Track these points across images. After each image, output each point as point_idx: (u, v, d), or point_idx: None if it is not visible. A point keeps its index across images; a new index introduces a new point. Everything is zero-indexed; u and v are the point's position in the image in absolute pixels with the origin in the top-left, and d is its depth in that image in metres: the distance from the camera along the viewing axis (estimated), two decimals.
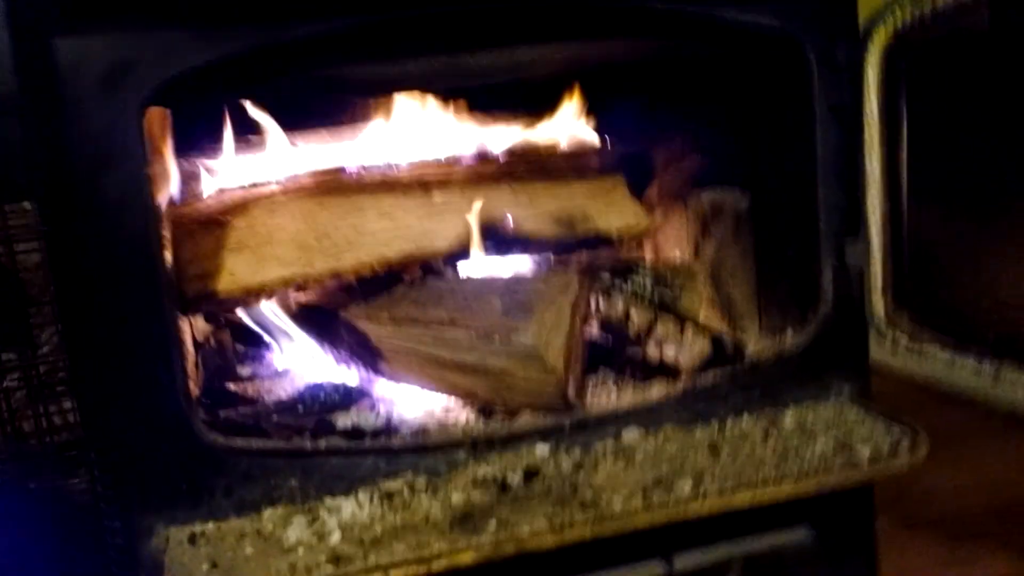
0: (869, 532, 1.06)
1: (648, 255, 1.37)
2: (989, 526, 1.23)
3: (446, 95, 1.17)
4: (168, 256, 0.98)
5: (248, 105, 1.07)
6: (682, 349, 1.14)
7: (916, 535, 1.23)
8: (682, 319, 1.15)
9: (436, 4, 0.89)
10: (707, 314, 1.19)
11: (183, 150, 1.10)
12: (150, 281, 0.87)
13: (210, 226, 1.04)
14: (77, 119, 0.83)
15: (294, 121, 1.15)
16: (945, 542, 1.21)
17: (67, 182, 0.84)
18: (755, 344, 1.16)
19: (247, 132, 1.13)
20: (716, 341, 1.13)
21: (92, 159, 0.84)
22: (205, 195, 1.10)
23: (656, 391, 1.09)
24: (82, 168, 0.84)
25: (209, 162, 1.13)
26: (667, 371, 1.13)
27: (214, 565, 0.85)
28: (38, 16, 0.81)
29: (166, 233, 0.99)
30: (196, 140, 1.12)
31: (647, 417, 1.03)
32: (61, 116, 0.83)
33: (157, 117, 1.01)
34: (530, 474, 0.95)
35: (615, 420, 1.02)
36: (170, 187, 1.06)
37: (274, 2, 0.86)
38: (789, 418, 1.06)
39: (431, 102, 1.18)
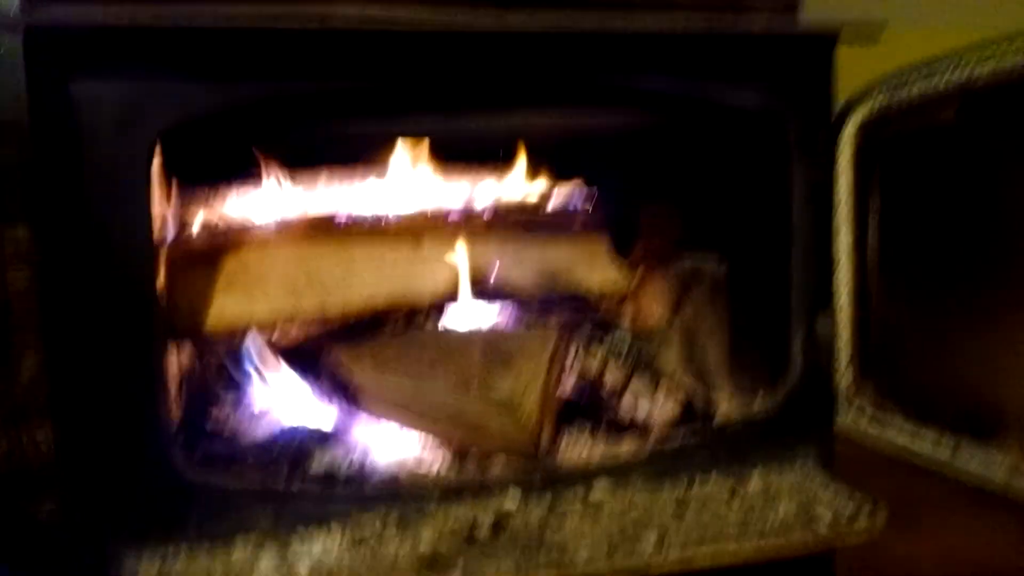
0: None
1: (627, 314, 1.40)
2: None
3: (439, 151, 1.21)
4: (161, 290, 1.00)
5: (248, 150, 1.11)
6: (654, 407, 1.17)
7: None
8: (656, 378, 1.18)
9: (429, 72, 0.94)
10: (681, 375, 1.23)
11: (183, 188, 1.13)
12: (143, 314, 0.90)
13: (204, 264, 1.07)
14: (88, 157, 0.87)
15: (291, 166, 1.19)
16: None
17: (73, 215, 0.87)
18: (725, 407, 1.19)
19: (245, 175, 1.17)
20: (688, 402, 1.16)
21: (100, 195, 0.87)
22: (200, 233, 1.13)
23: (627, 447, 1.12)
24: (89, 203, 0.87)
25: (209, 201, 1.16)
26: (639, 428, 1.16)
27: None
28: (56, 59, 0.85)
29: (161, 268, 1.01)
30: (196, 179, 1.15)
31: (617, 472, 1.06)
32: (72, 153, 0.86)
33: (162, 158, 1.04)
34: (499, 523, 0.97)
35: (585, 473, 1.05)
36: (168, 223, 1.09)
37: (278, 61, 0.90)
38: (755, 480, 1.09)
39: (424, 156, 1.22)
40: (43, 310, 0.92)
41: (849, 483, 1.07)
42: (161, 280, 1.01)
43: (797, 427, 1.12)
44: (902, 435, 1.04)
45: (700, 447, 1.10)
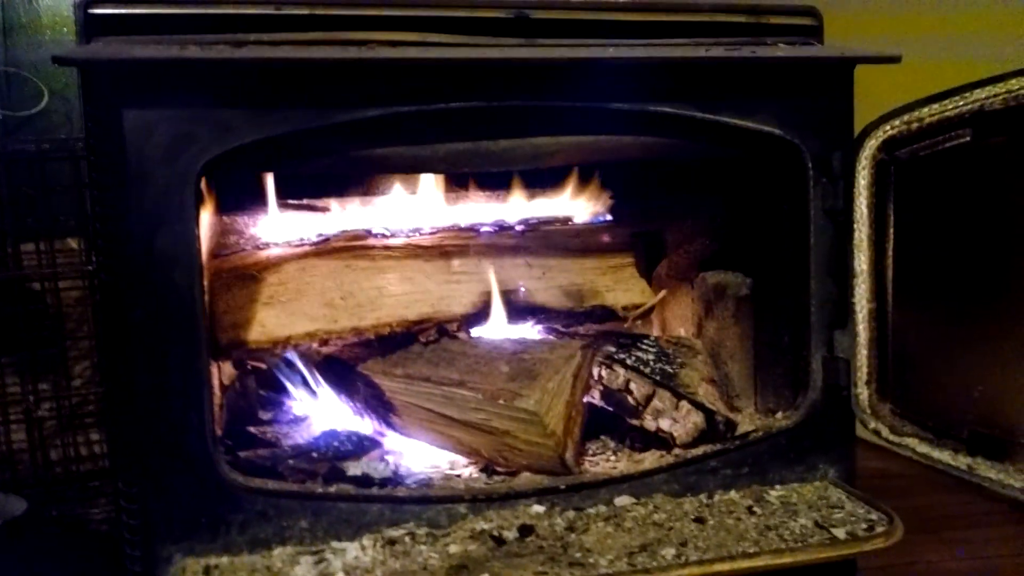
0: None
1: (652, 330, 1.44)
2: None
3: (470, 173, 1.27)
4: (205, 306, 1.06)
5: (289, 173, 1.17)
6: (677, 422, 1.20)
7: None
8: (679, 394, 1.21)
9: (463, 98, 0.99)
10: (704, 391, 1.26)
11: (227, 208, 1.20)
12: (190, 329, 0.95)
13: (245, 280, 1.13)
14: (138, 180, 0.92)
15: (329, 188, 1.25)
16: None
17: (125, 234, 0.93)
18: (747, 422, 1.22)
19: (286, 196, 1.23)
20: (710, 417, 1.19)
21: (149, 216, 0.93)
22: (243, 251, 1.19)
23: (649, 461, 1.15)
24: (139, 223, 0.93)
25: (250, 221, 1.22)
26: (661, 442, 1.20)
27: None
28: (109, 90, 0.91)
29: (205, 284, 1.07)
30: (240, 200, 1.21)
31: (639, 485, 1.10)
32: (124, 177, 0.92)
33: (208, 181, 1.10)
34: (525, 531, 1.01)
35: (608, 486, 1.09)
36: (213, 242, 1.16)
37: (318, 91, 0.96)
38: (774, 495, 1.12)
39: (455, 178, 1.27)
40: (102, 324, 0.97)
41: (874, 498, 1.09)
42: (207, 295, 1.06)
43: (817, 443, 1.15)
44: (918, 452, 1.07)
45: (722, 462, 1.13)
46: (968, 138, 0.97)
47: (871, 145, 1.04)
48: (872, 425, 1.10)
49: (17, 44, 1.59)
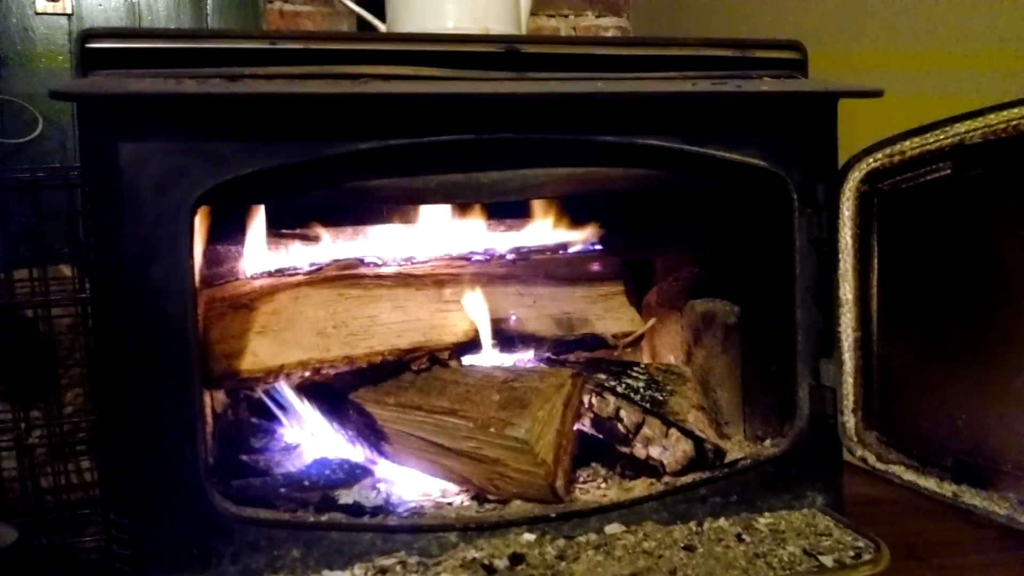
0: None
1: (642, 358, 1.45)
2: None
3: (461, 204, 1.28)
4: (199, 335, 1.07)
5: (280, 204, 1.18)
6: (667, 450, 1.21)
7: None
8: (669, 421, 1.22)
9: (453, 130, 1.00)
10: (693, 418, 1.27)
11: (221, 238, 1.21)
12: (182, 358, 0.96)
13: (238, 309, 1.14)
14: (133, 212, 0.93)
15: (322, 218, 1.26)
16: None
17: (119, 264, 0.94)
18: (736, 450, 1.23)
19: (279, 226, 1.24)
20: (699, 445, 1.20)
21: (143, 246, 0.94)
22: (236, 280, 1.20)
23: (639, 489, 1.16)
24: (133, 253, 0.94)
25: (243, 250, 1.23)
26: (651, 470, 1.20)
27: None
28: (104, 123, 0.93)
29: (198, 314, 1.08)
30: (233, 230, 1.23)
31: (629, 513, 1.10)
32: (119, 208, 0.93)
33: (202, 212, 1.12)
34: (516, 560, 1.01)
35: (599, 514, 1.09)
36: (206, 272, 1.17)
37: (311, 125, 0.97)
38: (763, 523, 1.12)
39: (447, 208, 1.29)
40: (94, 353, 0.97)
41: (861, 525, 1.10)
42: (199, 325, 1.07)
43: (805, 470, 1.16)
44: (904, 479, 1.08)
45: (711, 490, 1.13)
46: (949, 171, 1.00)
47: (854, 177, 1.06)
48: (859, 453, 1.11)
49: (12, 73, 1.61)
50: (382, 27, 1.31)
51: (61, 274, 1.52)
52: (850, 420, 1.10)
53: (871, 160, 1.04)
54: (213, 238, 1.19)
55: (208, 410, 1.21)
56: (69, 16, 1.63)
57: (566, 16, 1.99)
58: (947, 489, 1.03)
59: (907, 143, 1.02)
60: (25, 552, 1.31)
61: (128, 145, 0.93)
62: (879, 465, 1.09)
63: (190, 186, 0.94)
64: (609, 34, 1.99)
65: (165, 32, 1.34)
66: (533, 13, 1.40)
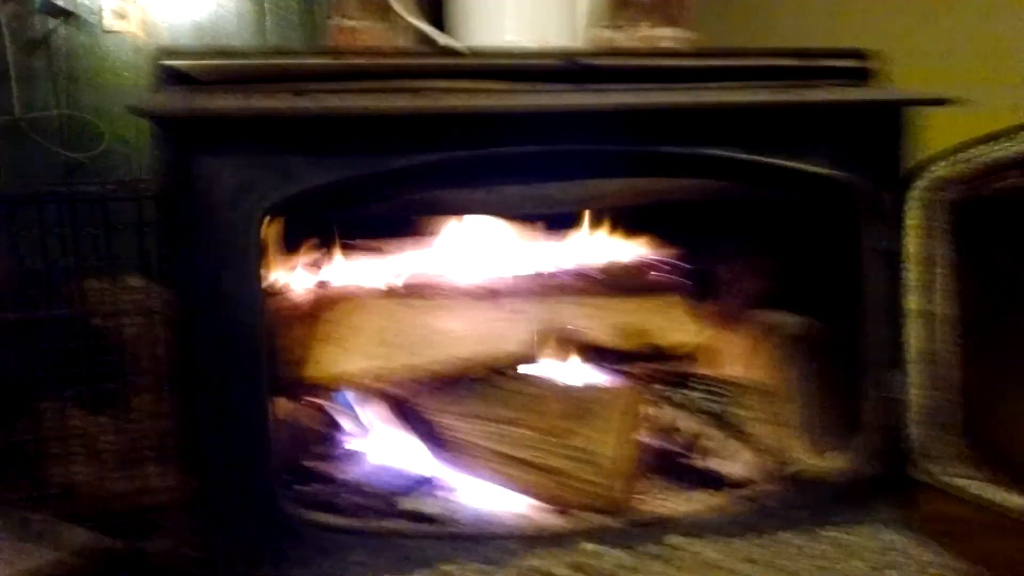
0: None
1: (704, 369, 1.44)
2: None
3: (521, 216, 1.29)
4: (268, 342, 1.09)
5: (347, 217, 1.20)
6: (730, 462, 1.20)
7: None
8: (733, 433, 1.21)
9: (515, 144, 1.01)
10: (757, 430, 1.26)
11: (289, 249, 1.23)
12: (252, 366, 0.98)
13: (305, 319, 1.16)
14: (205, 223, 0.96)
15: (385, 229, 1.28)
16: None
17: (191, 275, 0.97)
18: (801, 463, 1.21)
19: (344, 237, 1.26)
20: (764, 457, 1.19)
21: (215, 257, 0.96)
22: (303, 290, 1.22)
23: (700, 500, 1.15)
24: (205, 264, 0.96)
25: (309, 261, 1.26)
26: (714, 482, 1.20)
27: None
28: (178, 139, 0.96)
29: (268, 322, 1.10)
30: (300, 241, 1.25)
31: (690, 524, 1.10)
32: (192, 220, 0.96)
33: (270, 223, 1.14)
34: (577, 568, 1.02)
35: (660, 525, 1.09)
36: (275, 280, 1.19)
37: (378, 138, 0.99)
38: (828, 536, 1.11)
39: (508, 221, 1.30)
40: (160, 359, 1.00)
41: (922, 542, 1.08)
42: (268, 333, 1.10)
43: (871, 483, 1.14)
44: (971, 493, 1.06)
45: (774, 502, 1.12)
46: (1018, 179, 0.98)
47: (920, 185, 1.04)
48: (926, 466, 1.09)
49: (80, 89, 1.67)
50: (441, 40, 1.32)
51: (129, 284, 1.57)
52: (916, 433, 1.08)
53: (936, 168, 1.03)
54: (281, 248, 1.22)
55: (278, 417, 1.24)
56: (136, 34, 1.68)
57: (621, 27, 1.98)
58: (1018, 503, 1.00)
59: (974, 151, 1.00)
60: (95, 553, 1.34)
61: (200, 159, 0.95)
62: (946, 479, 1.07)
63: (258, 199, 0.96)
64: (665, 45, 1.98)
65: (233, 50, 1.37)
66: (590, 25, 1.40)
